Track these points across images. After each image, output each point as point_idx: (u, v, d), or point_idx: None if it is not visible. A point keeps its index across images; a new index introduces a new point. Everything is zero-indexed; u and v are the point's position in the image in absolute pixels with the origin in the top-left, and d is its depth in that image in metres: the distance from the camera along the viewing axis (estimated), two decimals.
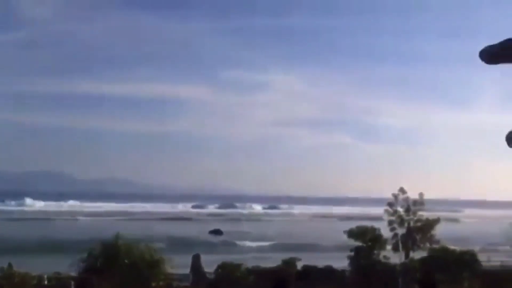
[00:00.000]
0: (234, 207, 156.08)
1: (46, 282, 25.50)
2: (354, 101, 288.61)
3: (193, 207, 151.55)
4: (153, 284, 26.95)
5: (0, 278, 25.95)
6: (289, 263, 29.42)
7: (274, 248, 54.19)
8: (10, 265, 27.67)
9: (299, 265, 29.86)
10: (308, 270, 29.10)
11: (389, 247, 31.36)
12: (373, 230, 30.31)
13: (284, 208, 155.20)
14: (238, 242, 63.10)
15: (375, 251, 29.78)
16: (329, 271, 29.43)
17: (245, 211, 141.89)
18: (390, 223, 33.35)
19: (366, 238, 29.77)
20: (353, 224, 32.53)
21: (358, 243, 29.81)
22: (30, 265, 29.54)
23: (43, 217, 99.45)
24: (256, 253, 50.02)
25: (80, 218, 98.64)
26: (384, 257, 29.95)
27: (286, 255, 31.50)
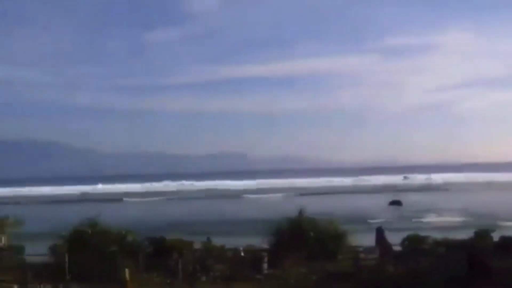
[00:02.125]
0: (405, 177, 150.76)
1: (242, 254, 27.62)
2: None
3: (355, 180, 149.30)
4: (339, 257, 27.43)
5: (201, 251, 28.82)
6: (483, 234, 27.39)
7: (460, 220, 51.02)
8: (208, 239, 30.63)
9: (496, 236, 27.64)
10: (508, 242, 26.70)
11: None
12: None
13: (460, 177, 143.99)
14: (419, 214, 60.78)
15: None
16: None
17: (419, 181, 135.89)
18: None
19: None
20: None
21: None
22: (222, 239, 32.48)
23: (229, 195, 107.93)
24: (439, 224, 47.61)
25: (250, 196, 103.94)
26: None
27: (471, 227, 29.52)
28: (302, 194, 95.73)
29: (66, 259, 25.66)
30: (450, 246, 26.65)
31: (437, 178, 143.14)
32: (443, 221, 51.44)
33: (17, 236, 32.29)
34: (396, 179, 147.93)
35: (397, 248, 28.23)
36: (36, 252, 28.76)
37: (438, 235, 29.08)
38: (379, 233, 29.81)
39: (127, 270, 24.09)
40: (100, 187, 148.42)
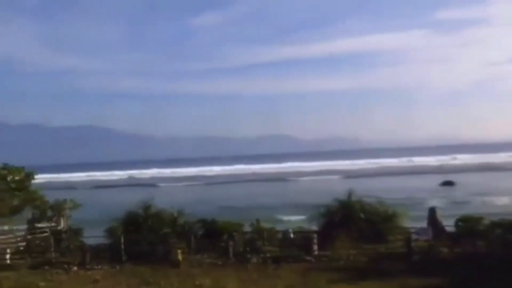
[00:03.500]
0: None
1: (292, 236, 27.72)
2: None
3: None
4: (390, 238, 27.07)
5: (251, 232, 29.12)
6: None
7: None
8: (258, 221, 30.88)
9: None
10: None
11: None
12: None
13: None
14: (473, 194, 58.98)
15: None
16: None
17: (471, 161, 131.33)
18: None
19: None
20: None
21: None
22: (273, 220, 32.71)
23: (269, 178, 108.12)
24: (495, 205, 45.99)
25: (301, 178, 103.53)
26: None
27: None
28: (352, 176, 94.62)
29: (122, 241, 26.58)
30: (508, 227, 25.69)
31: (492, 157, 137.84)
32: (499, 202, 49.60)
33: (75, 219, 33.67)
34: (447, 159, 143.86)
35: (451, 229, 27.54)
36: (93, 235, 29.97)
37: (493, 217, 28.10)
38: (432, 213, 29.15)
39: (179, 251, 24.77)
40: (153, 172, 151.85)
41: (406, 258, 23.41)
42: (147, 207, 29.85)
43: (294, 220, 38.06)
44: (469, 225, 26.45)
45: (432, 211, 29.32)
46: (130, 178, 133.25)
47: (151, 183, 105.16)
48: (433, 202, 34.65)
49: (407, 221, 28.72)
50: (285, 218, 41.19)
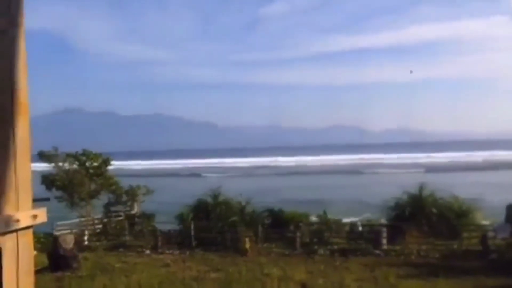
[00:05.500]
0: None
1: (360, 229, 27.30)
2: None
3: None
4: (465, 235, 25.99)
5: (318, 223, 28.98)
6: None
7: None
8: (325, 212, 30.67)
9: None
10: None
11: None
12: None
13: None
14: None
15: None
16: None
17: None
18: None
19: None
20: None
21: None
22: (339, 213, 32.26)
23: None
24: None
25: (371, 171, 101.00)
26: None
27: None
28: (430, 171, 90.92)
29: (192, 227, 27.34)
30: None
31: None
32: None
33: (149, 204, 35.02)
34: None
35: None
36: (163, 220, 31.03)
37: None
38: (510, 210, 27.61)
39: (247, 240, 25.11)
40: (215, 161, 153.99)
41: (482, 256, 22.38)
42: (216, 195, 30.49)
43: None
44: None
45: (510, 208, 27.77)
46: (196, 168, 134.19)
47: (215, 172, 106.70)
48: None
49: (483, 218, 27.49)
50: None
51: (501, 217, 27.91)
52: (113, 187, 34.40)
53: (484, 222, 26.91)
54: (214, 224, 28.13)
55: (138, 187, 34.88)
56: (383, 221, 28.35)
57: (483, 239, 23.29)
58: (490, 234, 24.62)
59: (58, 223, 30.12)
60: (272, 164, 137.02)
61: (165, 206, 37.15)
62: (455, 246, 24.20)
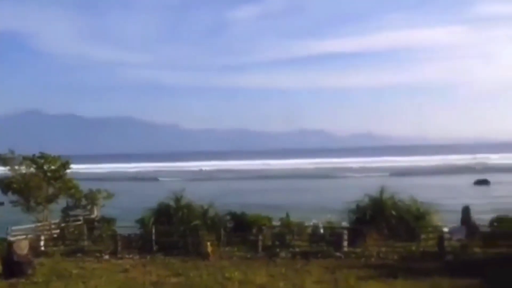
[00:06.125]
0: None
1: (322, 232, 27.51)
2: None
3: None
4: (423, 236, 26.57)
5: (280, 227, 29.06)
6: None
7: None
8: (287, 215, 30.82)
9: None
10: None
11: None
12: None
13: None
14: (505, 193, 57.43)
15: None
16: None
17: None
18: None
19: None
20: None
21: None
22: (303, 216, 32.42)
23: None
24: None
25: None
26: None
27: None
28: (394, 175, 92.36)
29: (153, 231, 26.95)
30: None
31: None
32: None
33: (107, 209, 34.31)
34: (481, 157, 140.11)
35: (485, 229, 26.81)
36: (124, 224, 30.47)
37: None
38: (465, 213, 28.44)
39: (209, 243, 24.94)
40: (177, 165, 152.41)
41: (438, 257, 22.91)
42: (178, 199, 30.14)
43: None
44: (504, 226, 25.69)
45: (466, 210, 28.60)
46: (155, 171, 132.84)
47: (176, 176, 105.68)
48: (467, 201, 33.69)
49: (440, 220, 28.15)
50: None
51: (457, 219, 28.74)
52: (72, 190, 33.56)
53: (441, 224, 27.55)
54: (176, 228, 27.81)
55: (99, 191, 34.15)
56: (345, 224, 28.65)
57: (440, 241, 23.84)
58: (447, 236, 25.27)
59: (13, 228, 29.19)
60: (237, 167, 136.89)
61: (126, 211, 36.56)
62: (413, 248, 24.68)
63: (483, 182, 72.64)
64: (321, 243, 26.01)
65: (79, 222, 31.79)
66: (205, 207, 29.65)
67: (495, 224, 26.80)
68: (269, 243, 26.51)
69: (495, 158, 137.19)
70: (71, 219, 32.41)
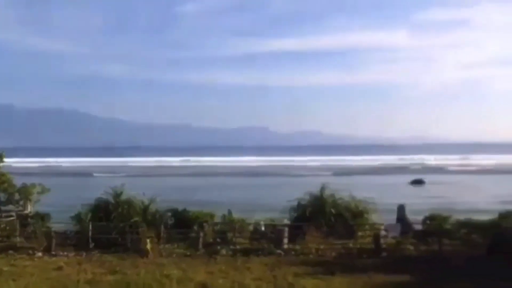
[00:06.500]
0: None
1: (263, 229, 27.71)
2: None
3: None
4: (360, 233, 27.32)
5: (222, 224, 29.02)
6: (507, 217, 26.88)
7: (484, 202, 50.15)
8: (230, 212, 30.81)
9: None
10: None
11: None
12: None
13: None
14: (439, 193, 60.13)
15: None
16: None
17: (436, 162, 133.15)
18: None
19: None
20: None
21: None
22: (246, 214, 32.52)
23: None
24: (463, 205, 46.83)
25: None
26: None
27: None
28: (337, 174, 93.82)
29: (90, 228, 26.18)
30: (473, 227, 26.22)
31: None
32: (466, 201, 50.55)
33: (43, 204, 32.96)
34: (418, 158, 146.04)
35: (419, 227, 27.94)
36: (61, 220, 29.43)
37: (461, 216, 28.59)
38: (400, 211, 29.57)
39: (148, 240, 24.51)
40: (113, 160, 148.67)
41: (374, 254, 23.66)
42: (118, 194, 29.43)
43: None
44: (436, 223, 26.86)
45: (401, 208, 29.74)
46: (90, 166, 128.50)
47: (114, 172, 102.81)
48: (403, 200, 35.01)
49: (378, 218, 29.02)
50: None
51: (393, 217, 29.78)
52: (5, 185, 32.01)
53: (378, 222, 28.43)
54: (114, 225, 27.16)
55: (33, 185, 32.74)
56: (286, 221, 29.02)
57: (376, 238, 24.62)
58: (383, 233, 26.14)
59: None
60: (183, 164, 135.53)
61: (62, 206, 35.28)
62: (350, 245, 25.33)
63: (419, 182, 75.62)
64: (262, 241, 26.18)
65: (11, 218, 30.36)
66: (146, 203, 29.13)
67: (428, 222, 27.95)
68: (210, 240, 26.41)
69: (430, 159, 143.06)
70: (3, 214, 30.88)
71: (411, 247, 24.69)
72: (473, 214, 30.34)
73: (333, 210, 28.39)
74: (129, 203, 28.95)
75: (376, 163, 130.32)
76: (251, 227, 28.55)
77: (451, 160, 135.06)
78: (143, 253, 23.86)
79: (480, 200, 52.36)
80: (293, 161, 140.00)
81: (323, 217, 27.96)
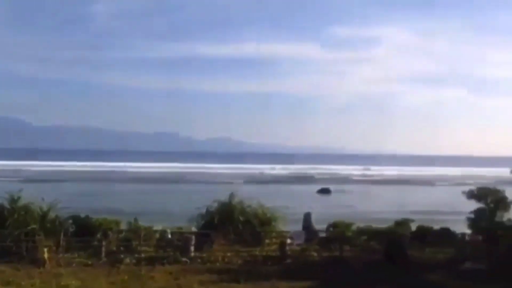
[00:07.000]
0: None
1: (170, 236, 27.23)
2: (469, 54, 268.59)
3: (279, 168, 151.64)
4: (267, 241, 27.71)
5: (127, 231, 28.14)
6: (402, 224, 28.58)
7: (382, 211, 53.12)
8: (136, 219, 29.92)
9: (413, 226, 28.91)
10: (424, 232, 28.07)
11: None
12: (496, 191, 28.17)
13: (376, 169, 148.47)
14: (344, 201, 62.88)
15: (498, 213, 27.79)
16: (446, 234, 28.15)
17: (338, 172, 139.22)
18: None
19: (487, 200, 27.83)
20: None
21: (480, 205, 27.94)
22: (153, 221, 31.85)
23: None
24: (366, 213, 49.30)
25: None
26: (509, 219, 27.79)
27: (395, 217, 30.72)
28: (249, 182, 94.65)
29: None
30: (372, 234, 27.59)
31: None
32: (369, 210, 53.30)
33: None
34: (326, 167, 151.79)
35: (323, 234, 28.88)
36: None
37: (362, 223, 29.96)
38: (306, 218, 30.44)
39: (45, 249, 23.17)
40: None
41: (280, 261, 24.11)
42: (14, 200, 27.55)
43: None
44: (338, 231, 27.91)
45: (307, 216, 30.61)
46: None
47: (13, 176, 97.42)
48: (310, 208, 36.20)
49: (285, 225, 29.61)
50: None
51: (300, 225, 30.59)
52: None
53: (285, 230, 29.01)
54: (9, 232, 25.38)
55: None
56: (194, 229, 28.74)
57: (281, 245, 25.12)
58: (289, 240, 26.73)
59: None
60: (85, 169, 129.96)
61: None
62: (257, 252, 25.60)
63: (325, 191, 78.47)
64: (168, 249, 25.72)
65: None
66: (44, 209, 27.52)
67: (331, 229, 28.97)
68: (114, 248, 25.49)
69: (337, 169, 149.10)
70: None
71: (315, 254, 25.47)
72: (373, 222, 31.91)
73: (241, 218, 28.53)
74: (26, 209, 27.19)
75: (285, 172, 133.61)
76: (157, 235, 27.94)
77: (353, 170, 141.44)
78: (40, 263, 22.51)
79: (381, 208, 55.37)
80: (204, 167, 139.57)
81: (231, 225, 28.01)
